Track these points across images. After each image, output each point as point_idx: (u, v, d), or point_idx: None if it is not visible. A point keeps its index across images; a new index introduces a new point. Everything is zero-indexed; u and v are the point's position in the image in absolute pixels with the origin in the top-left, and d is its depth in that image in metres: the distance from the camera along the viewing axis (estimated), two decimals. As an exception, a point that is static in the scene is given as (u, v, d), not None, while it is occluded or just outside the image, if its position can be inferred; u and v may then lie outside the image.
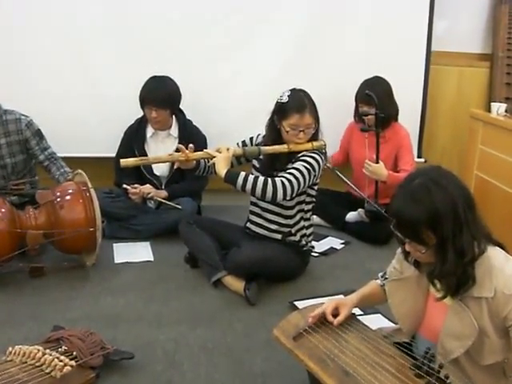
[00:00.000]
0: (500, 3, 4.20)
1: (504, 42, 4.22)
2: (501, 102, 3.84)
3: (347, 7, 3.79)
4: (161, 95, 3.25)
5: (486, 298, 1.38)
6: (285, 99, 2.56)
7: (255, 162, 2.76)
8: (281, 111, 2.57)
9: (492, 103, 3.75)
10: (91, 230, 2.66)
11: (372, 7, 3.81)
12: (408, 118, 3.70)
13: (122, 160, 2.54)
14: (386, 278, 1.76)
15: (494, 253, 1.43)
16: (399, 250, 1.63)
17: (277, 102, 2.60)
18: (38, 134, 3.09)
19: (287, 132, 2.56)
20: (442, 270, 1.40)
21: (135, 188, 3.25)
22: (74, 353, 1.89)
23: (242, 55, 3.76)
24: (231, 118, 3.77)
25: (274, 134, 2.63)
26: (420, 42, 3.90)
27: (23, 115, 3.05)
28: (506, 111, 3.60)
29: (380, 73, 3.51)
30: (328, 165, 2.98)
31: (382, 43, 3.82)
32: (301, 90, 2.61)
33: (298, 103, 2.54)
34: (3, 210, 2.60)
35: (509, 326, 1.38)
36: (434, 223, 1.35)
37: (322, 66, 3.81)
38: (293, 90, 2.60)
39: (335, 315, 1.68)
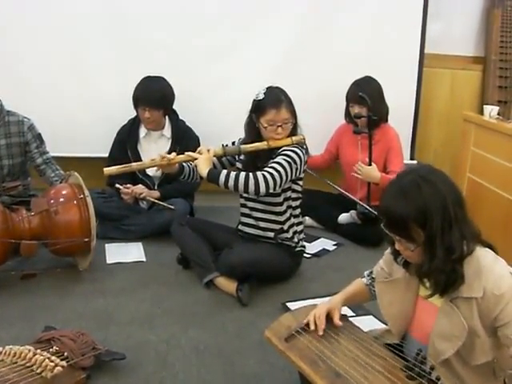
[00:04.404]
0: (493, 7, 4.23)
1: (497, 46, 4.25)
2: (493, 104, 3.86)
3: (340, 9, 3.80)
4: (154, 96, 3.25)
5: (476, 298, 1.38)
6: (261, 96, 2.59)
7: (239, 165, 2.76)
8: (258, 108, 2.60)
9: (484, 106, 3.77)
10: (86, 240, 2.64)
11: (365, 9, 3.82)
12: (401, 119, 3.72)
13: (105, 169, 2.56)
14: (373, 278, 1.76)
15: (483, 254, 1.43)
16: (387, 250, 1.64)
17: (253, 101, 2.63)
18: (39, 138, 3.07)
19: (265, 128, 2.58)
20: (430, 266, 1.40)
21: (128, 188, 3.25)
22: (65, 353, 1.88)
23: (235, 57, 3.76)
24: (224, 118, 3.75)
25: (253, 132, 2.65)
26: (413, 45, 3.92)
27: (25, 118, 3.04)
28: (498, 114, 3.62)
29: (373, 74, 3.51)
30: (314, 174, 2.97)
31: (375, 45, 3.83)
32: (276, 87, 2.65)
33: (273, 99, 2.57)
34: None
35: (498, 326, 1.38)
36: (423, 219, 1.36)
37: (315, 68, 3.81)
38: (268, 88, 2.63)
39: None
